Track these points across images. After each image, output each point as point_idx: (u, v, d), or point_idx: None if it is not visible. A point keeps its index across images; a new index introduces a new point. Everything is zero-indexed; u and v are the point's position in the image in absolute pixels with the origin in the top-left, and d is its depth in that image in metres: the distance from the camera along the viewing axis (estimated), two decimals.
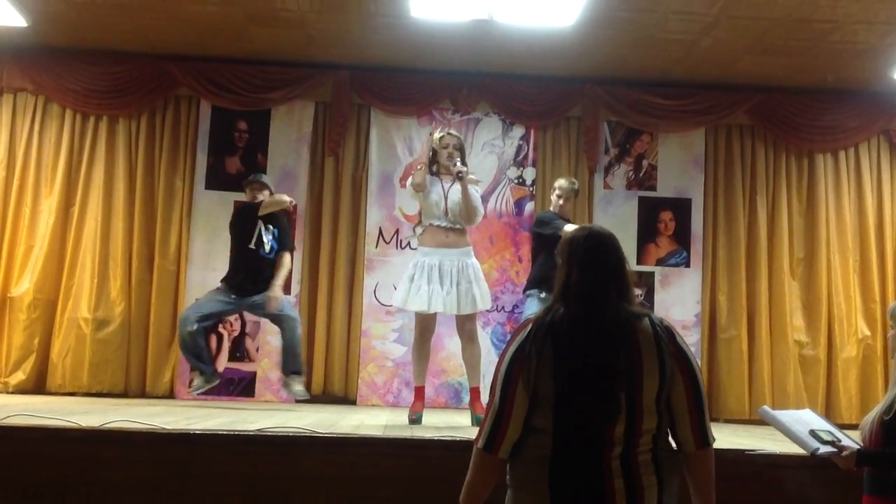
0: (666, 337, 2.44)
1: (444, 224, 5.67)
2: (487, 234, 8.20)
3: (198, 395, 6.94)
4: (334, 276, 8.32)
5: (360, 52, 8.07)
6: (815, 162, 8.64)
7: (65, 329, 8.00)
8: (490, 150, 8.50)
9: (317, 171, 8.47)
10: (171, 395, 7.82)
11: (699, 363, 7.94)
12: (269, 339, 7.37)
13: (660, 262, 8.45)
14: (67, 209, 8.22)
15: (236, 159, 8.38)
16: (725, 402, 8.19)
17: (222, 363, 8.02)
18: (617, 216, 8.34)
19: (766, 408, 3.57)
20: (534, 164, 8.52)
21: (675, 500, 2.45)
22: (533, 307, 6.27)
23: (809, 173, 8.64)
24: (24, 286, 8.02)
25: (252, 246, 6.84)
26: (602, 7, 6.77)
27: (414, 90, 8.42)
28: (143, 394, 7.97)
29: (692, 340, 8.14)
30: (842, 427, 3.56)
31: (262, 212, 6.86)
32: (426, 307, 5.56)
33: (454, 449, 4.01)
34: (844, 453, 3.26)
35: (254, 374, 8.11)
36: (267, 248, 6.79)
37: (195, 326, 6.68)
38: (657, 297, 8.35)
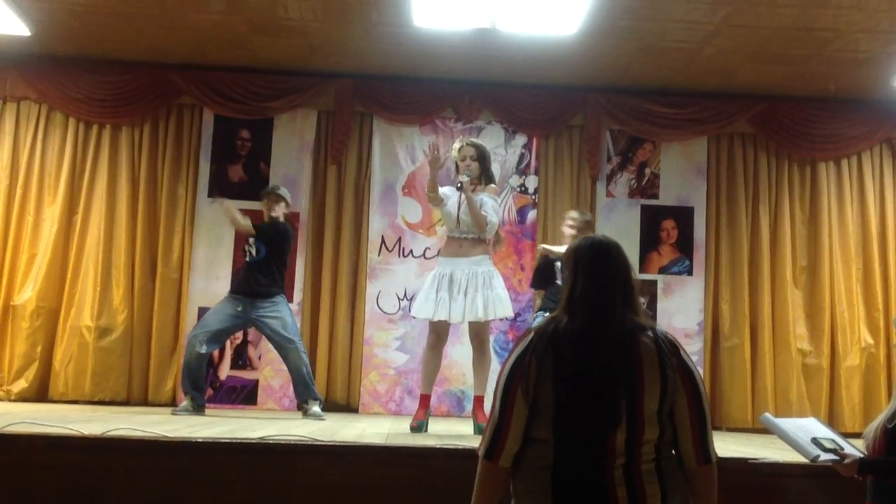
0: (669, 350, 2.44)
1: (457, 234, 5.71)
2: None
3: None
4: (337, 283, 8.33)
5: (362, 61, 8.08)
6: (818, 170, 8.63)
7: (67, 337, 8.01)
8: (493, 158, 8.47)
9: (319, 180, 8.48)
10: (173, 402, 7.79)
11: (702, 373, 8.01)
12: (272, 347, 7.35)
13: (662, 271, 8.45)
14: (70, 217, 8.23)
15: (239, 167, 8.39)
16: (728, 410, 8.18)
17: (224, 371, 8.03)
18: (619, 224, 8.33)
19: (768, 415, 3.57)
20: (536, 173, 8.53)
21: None
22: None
23: (812, 182, 8.64)
24: (26, 294, 8.03)
25: (246, 257, 6.93)
26: (604, 16, 6.78)
27: (416, 99, 8.44)
28: (145, 402, 7.97)
29: (695, 349, 8.14)
30: (845, 436, 3.56)
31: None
32: (432, 314, 5.59)
33: (456, 457, 4.00)
34: (846, 461, 3.26)
35: (256, 382, 8.11)
36: (254, 251, 6.83)
37: (204, 349, 6.69)
38: (660, 306, 8.35)
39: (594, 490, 2.35)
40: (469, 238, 5.69)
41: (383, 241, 8.35)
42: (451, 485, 3.44)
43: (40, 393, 7.92)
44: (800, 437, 3.41)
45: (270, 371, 8.03)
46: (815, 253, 8.51)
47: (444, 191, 5.79)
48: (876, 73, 7.73)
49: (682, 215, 8.52)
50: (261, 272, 6.81)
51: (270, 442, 4.23)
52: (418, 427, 5.53)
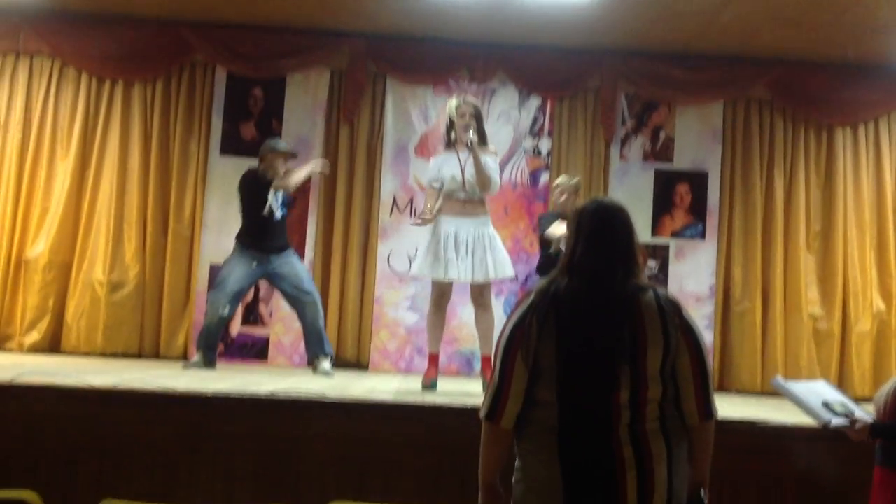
0: (670, 310, 2.44)
1: (462, 196, 5.67)
2: (502, 205, 8.18)
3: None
4: (348, 243, 8.33)
5: (376, 20, 8.02)
6: (834, 136, 8.56)
7: (79, 291, 8.05)
8: (506, 120, 8.46)
9: (332, 139, 8.45)
10: (184, 357, 7.82)
11: (711, 336, 8.03)
12: (283, 303, 7.36)
13: (675, 235, 8.42)
14: (83, 172, 8.24)
15: (251, 126, 8.37)
16: (738, 374, 8.18)
17: (236, 328, 8.07)
18: (632, 188, 8.30)
19: (779, 378, 3.57)
20: (549, 135, 8.48)
21: (684, 467, 2.46)
22: None
23: (828, 147, 8.57)
24: (39, 248, 8.06)
25: (265, 213, 6.81)
26: None
27: (430, 59, 8.37)
28: (157, 356, 8.03)
29: (706, 312, 8.13)
30: (854, 400, 3.56)
31: (277, 186, 6.80)
32: (442, 275, 5.58)
33: (466, 415, 4.02)
34: (857, 426, 3.26)
35: (267, 339, 8.15)
36: (278, 214, 6.78)
37: (227, 312, 6.68)
38: (671, 270, 8.33)
39: (600, 450, 2.37)
40: (474, 199, 5.67)
41: (395, 201, 8.34)
42: (460, 441, 3.46)
43: (52, 345, 7.98)
44: (811, 400, 3.41)
45: (281, 328, 8.06)
46: (830, 218, 8.46)
47: (439, 159, 5.79)
48: (894, 40, 7.63)
49: (697, 179, 8.47)
50: (278, 227, 6.78)
51: (280, 397, 4.26)
52: (431, 385, 5.57)
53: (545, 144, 8.47)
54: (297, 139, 8.18)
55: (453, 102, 5.84)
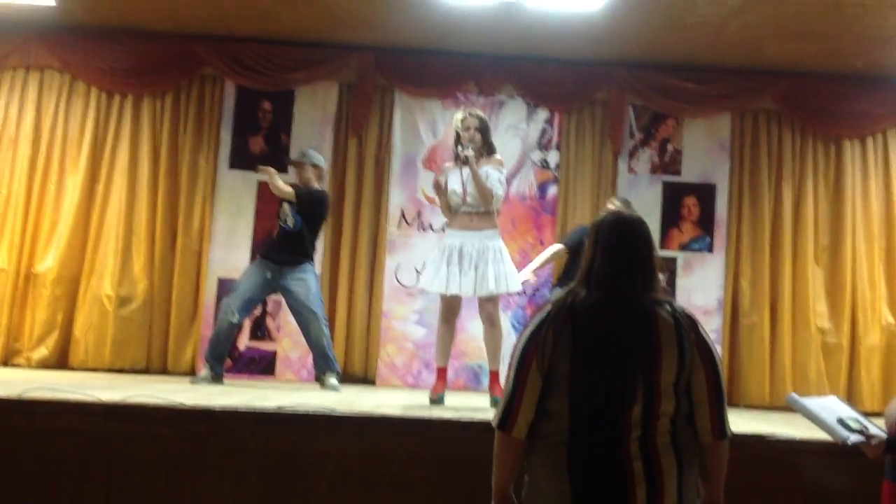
0: (687, 325, 2.43)
1: (465, 209, 5.66)
2: (510, 217, 8.18)
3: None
4: (356, 256, 8.33)
5: (384, 33, 8.04)
6: (843, 148, 8.53)
7: (88, 305, 8.06)
8: (514, 133, 8.46)
9: (340, 152, 8.47)
10: (192, 372, 7.82)
11: (720, 351, 7.98)
12: (291, 318, 7.37)
13: (683, 248, 8.40)
14: (92, 186, 8.26)
15: (260, 139, 8.38)
16: (746, 387, 8.14)
17: (243, 342, 8.06)
18: (641, 200, 8.26)
19: (794, 395, 3.54)
20: (558, 148, 8.48)
21: (695, 483, 2.45)
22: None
23: (836, 160, 8.54)
24: (48, 262, 8.08)
25: (281, 223, 6.85)
26: None
27: (438, 72, 8.39)
28: (164, 370, 8.02)
29: (714, 326, 8.10)
30: (865, 415, 3.53)
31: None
32: (444, 289, 5.58)
33: (474, 429, 4.01)
34: (873, 442, 3.23)
35: (274, 353, 8.14)
36: (290, 223, 6.78)
37: (236, 318, 6.69)
38: (679, 283, 8.31)
39: (610, 464, 2.36)
40: (480, 212, 5.66)
41: (403, 214, 8.34)
42: (468, 456, 3.44)
43: (61, 360, 7.97)
44: (826, 417, 3.38)
45: (289, 342, 8.05)
46: (838, 231, 8.43)
47: (448, 171, 5.80)
48: None
49: (704, 192, 8.45)
50: (293, 240, 6.78)
51: (288, 411, 4.25)
52: (438, 399, 5.56)
53: (553, 157, 8.47)
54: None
55: (459, 115, 5.85)
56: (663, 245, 8.31)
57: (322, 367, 6.74)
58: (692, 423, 2.44)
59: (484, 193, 5.59)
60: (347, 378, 7.86)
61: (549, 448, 2.43)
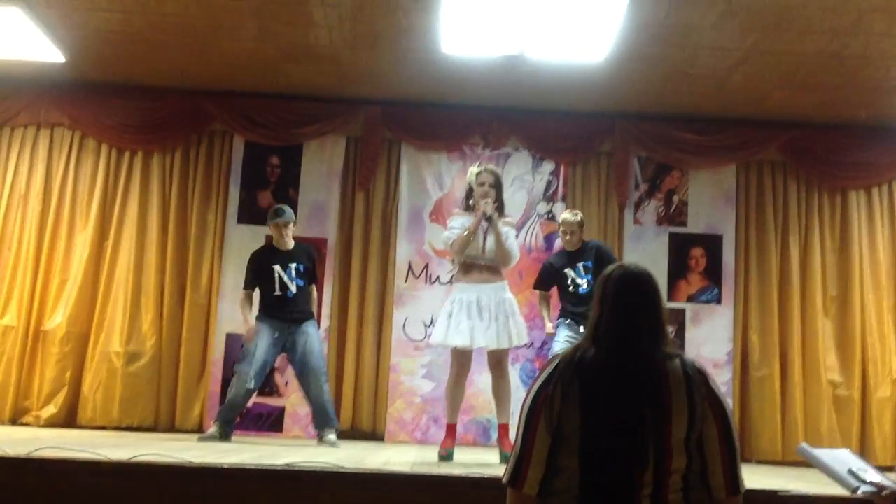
0: (697, 379, 2.41)
1: (481, 261, 5.66)
2: (517, 269, 8.14)
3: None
4: (364, 310, 8.33)
5: (391, 88, 8.13)
6: (848, 199, 8.56)
7: (96, 362, 8.05)
8: (520, 185, 8.51)
9: (347, 206, 8.52)
10: (200, 429, 7.80)
11: (731, 404, 7.92)
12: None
13: (690, 299, 8.39)
14: (101, 243, 8.30)
15: (268, 194, 8.43)
16: (758, 442, 8.07)
17: (251, 398, 8.01)
18: (647, 252, 8.30)
19: (805, 445, 3.52)
20: (564, 200, 8.51)
21: None
22: (561, 332, 6.41)
23: (842, 210, 8.56)
24: (57, 319, 8.09)
25: (277, 292, 6.80)
26: (632, 43, 6.79)
27: (444, 125, 8.46)
28: (172, 428, 7.99)
29: (724, 379, 8.05)
30: (878, 469, 3.51)
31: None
32: (468, 342, 5.53)
33: (483, 486, 3.97)
34: (885, 493, 3.21)
35: (282, 409, 8.10)
36: (293, 288, 6.79)
37: (252, 385, 6.69)
38: (688, 335, 8.28)
39: None
40: (492, 266, 5.67)
41: (410, 267, 8.35)
42: None
43: (69, 418, 7.95)
44: (837, 467, 3.36)
45: (297, 398, 7.99)
46: (846, 282, 8.41)
47: (459, 220, 5.77)
48: None
49: (711, 243, 8.46)
50: (298, 299, 6.81)
51: (296, 468, 4.22)
52: (447, 455, 5.51)
53: (559, 209, 8.48)
54: (314, 206, 8.26)
55: (474, 170, 5.85)
56: (671, 297, 8.29)
57: (321, 424, 6.73)
58: (705, 479, 2.42)
59: (503, 253, 5.61)
60: (356, 434, 7.83)
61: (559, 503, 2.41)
